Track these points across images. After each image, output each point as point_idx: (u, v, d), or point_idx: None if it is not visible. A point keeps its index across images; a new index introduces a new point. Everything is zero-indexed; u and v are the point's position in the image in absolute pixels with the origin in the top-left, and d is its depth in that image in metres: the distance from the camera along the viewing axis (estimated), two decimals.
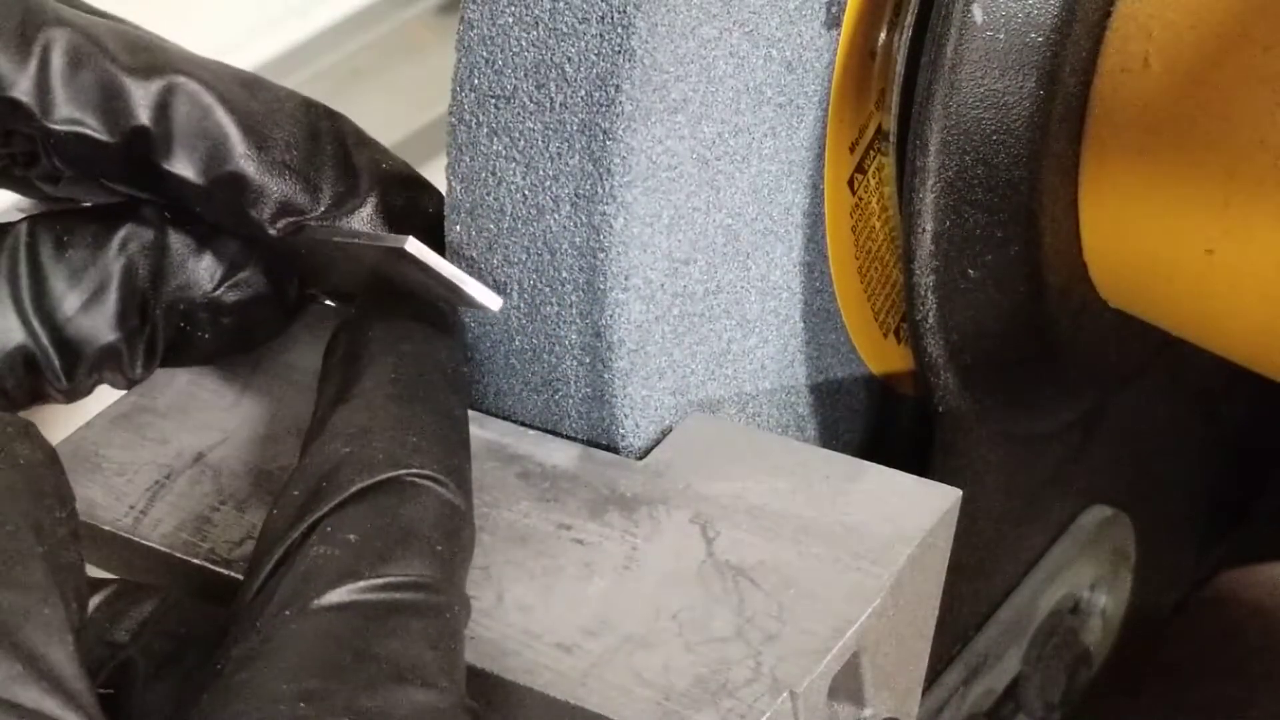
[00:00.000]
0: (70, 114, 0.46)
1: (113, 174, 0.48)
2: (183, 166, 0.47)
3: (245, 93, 0.48)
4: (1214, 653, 0.77)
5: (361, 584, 0.40)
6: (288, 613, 0.39)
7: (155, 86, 0.47)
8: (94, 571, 0.50)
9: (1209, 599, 0.78)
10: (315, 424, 0.45)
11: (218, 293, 0.49)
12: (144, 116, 0.47)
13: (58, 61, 0.46)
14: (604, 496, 0.46)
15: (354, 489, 0.42)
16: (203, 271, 0.49)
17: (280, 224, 0.48)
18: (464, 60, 0.46)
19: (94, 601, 0.42)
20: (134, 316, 0.49)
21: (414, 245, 0.45)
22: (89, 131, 0.46)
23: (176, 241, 0.49)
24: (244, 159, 0.47)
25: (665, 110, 0.45)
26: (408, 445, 0.43)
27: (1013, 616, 0.63)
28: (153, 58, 0.47)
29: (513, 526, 0.46)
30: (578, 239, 0.46)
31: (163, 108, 0.47)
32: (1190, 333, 0.56)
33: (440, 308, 0.47)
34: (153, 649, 0.42)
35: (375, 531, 0.41)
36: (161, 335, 0.49)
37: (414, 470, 0.42)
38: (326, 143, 0.49)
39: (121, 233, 0.49)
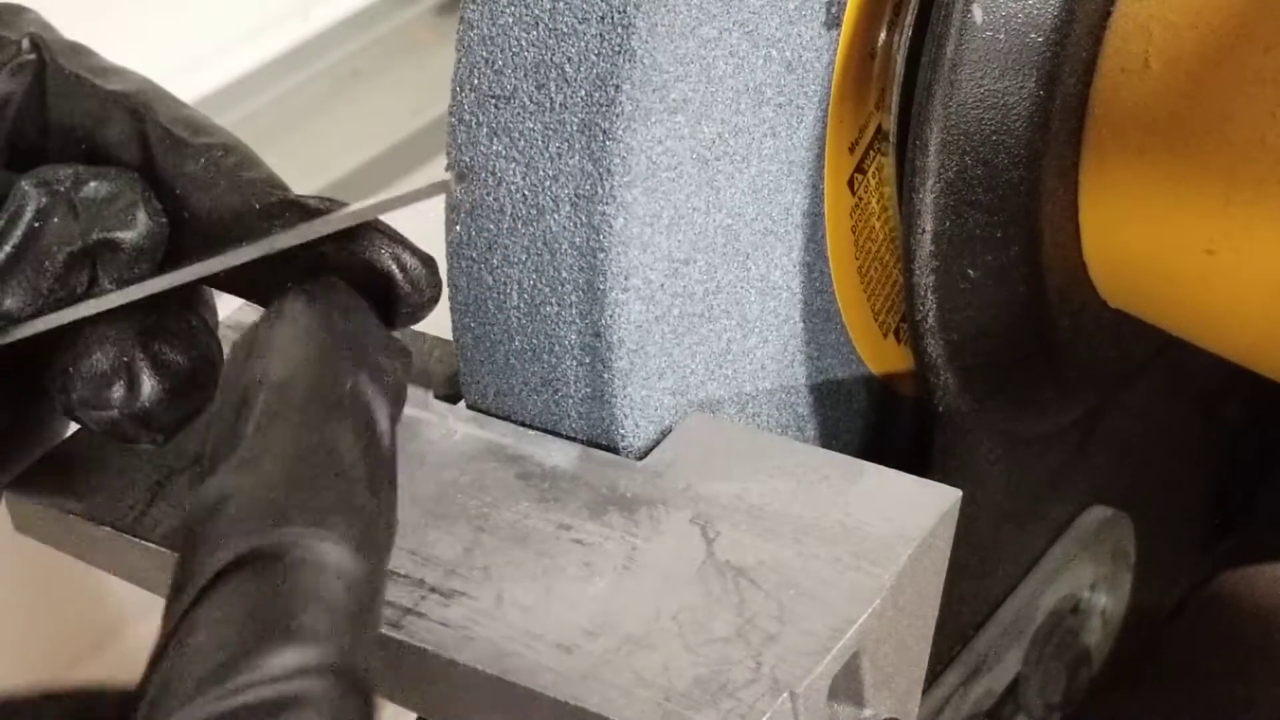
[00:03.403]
0: None
1: None
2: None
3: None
4: (1214, 653, 0.77)
5: (228, 686, 0.33)
6: None
7: None
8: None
9: (1209, 599, 0.78)
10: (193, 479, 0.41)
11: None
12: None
13: None
14: (604, 497, 0.46)
15: (220, 566, 0.35)
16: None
17: None
18: (464, 60, 0.46)
19: None
20: None
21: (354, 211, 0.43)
22: None
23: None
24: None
25: (665, 110, 0.45)
26: (292, 498, 0.37)
27: (1013, 617, 0.63)
28: None
29: (513, 526, 0.46)
30: (578, 239, 0.46)
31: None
32: (1190, 333, 0.56)
33: (340, 292, 0.43)
34: None
35: (244, 618, 0.34)
36: None
37: (298, 530, 0.36)
38: None
39: None
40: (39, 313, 0.44)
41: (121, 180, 0.44)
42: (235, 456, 0.38)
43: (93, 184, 0.44)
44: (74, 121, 0.46)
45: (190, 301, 0.46)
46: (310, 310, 0.41)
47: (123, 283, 0.44)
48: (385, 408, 0.40)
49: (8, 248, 0.43)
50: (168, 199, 0.45)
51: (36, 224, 0.43)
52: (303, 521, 0.36)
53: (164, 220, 0.45)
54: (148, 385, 0.44)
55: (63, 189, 0.44)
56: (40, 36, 0.46)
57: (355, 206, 0.43)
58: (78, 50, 0.48)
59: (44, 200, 0.44)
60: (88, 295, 0.44)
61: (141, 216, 0.44)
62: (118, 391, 0.43)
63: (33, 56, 0.46)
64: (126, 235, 0.44)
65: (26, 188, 0.44)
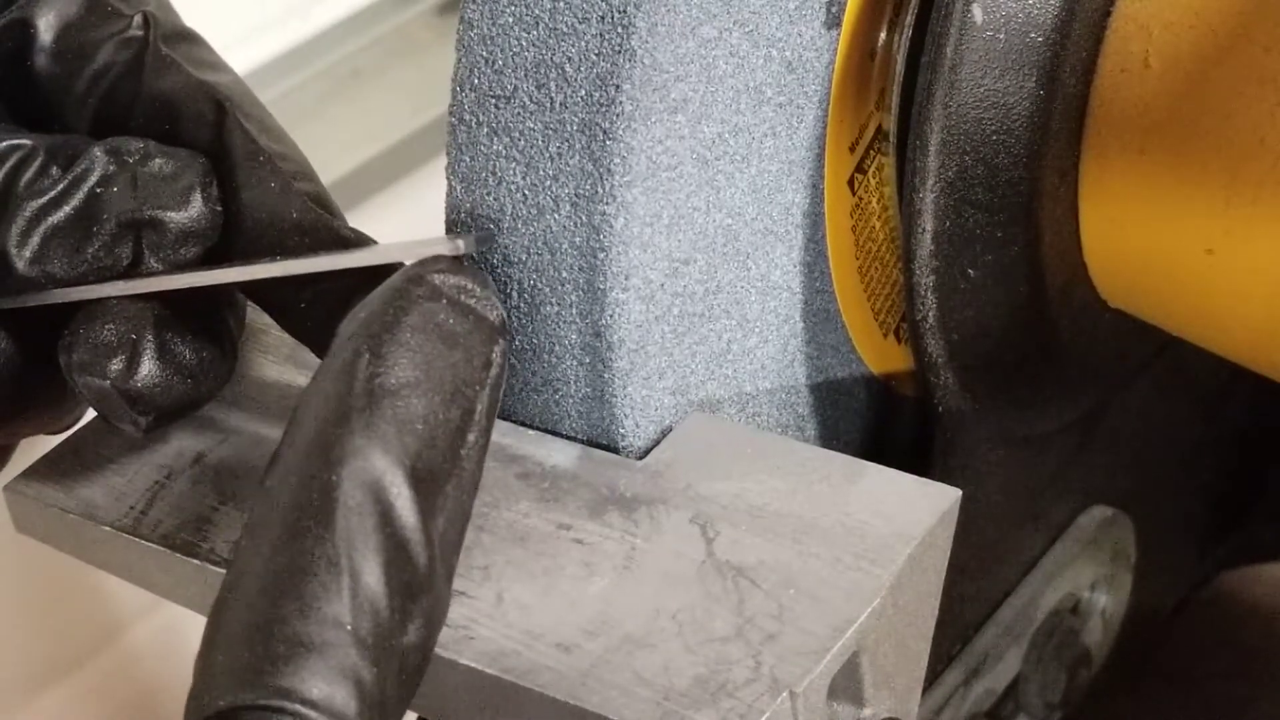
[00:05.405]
0: None
1: None
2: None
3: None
4: (1214, 653, 0.77)
5: None
6: None
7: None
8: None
9: (1209, 599, 0.78)
10: None
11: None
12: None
13: None
14: (604, 496, 0.46)
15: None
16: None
17: None
18: (464, 60, 0.46)
19: None
20: None
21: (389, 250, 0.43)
22: None
23: None
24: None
25: (665, 110, 0.45)
26: (265, 653, 0.34)
27: (1013, 616, 0.63)
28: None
29: (512, 526, 0.46)
30: (578, 239, 0.46)
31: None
32: (1190, 333, 0.56)
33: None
34: None
35: None
36: None
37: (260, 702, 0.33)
38: None
39: None
40: (81, 277, 0.44)
41: (187, 162, 0.45)
42: (233, 566, 0.37)
43: (158, 161, 0.45)
44: (161, 102, 0.46)
45: (218, 301, 0.46)
46: (337, 354, 0.39)
47: (168, 263, 0.45)
48: (410, 495, 0.38)
49: (68, 209, 0.44)
50: (226, 190, 0.45)
51: (98, 190, 0.44)
52: (271, 695, 0.34)
53: (219, 209, 0.45)
54: (145, 367, 0.44)
55: (131, 160, 0.45)
56: (153, 15, 0.47)
57: (382, 246, 0.44)
58: (188, 37, 0.48)
59: (110, 168, 0.44)
60: (133, 271, 0.45)
61: (196, 200, 0.45)
62: (116, 365, 0.44)
63: (140, 33, 0.46)
64: (175, 216, 0.44)
65: (98, 154, 0.45)
